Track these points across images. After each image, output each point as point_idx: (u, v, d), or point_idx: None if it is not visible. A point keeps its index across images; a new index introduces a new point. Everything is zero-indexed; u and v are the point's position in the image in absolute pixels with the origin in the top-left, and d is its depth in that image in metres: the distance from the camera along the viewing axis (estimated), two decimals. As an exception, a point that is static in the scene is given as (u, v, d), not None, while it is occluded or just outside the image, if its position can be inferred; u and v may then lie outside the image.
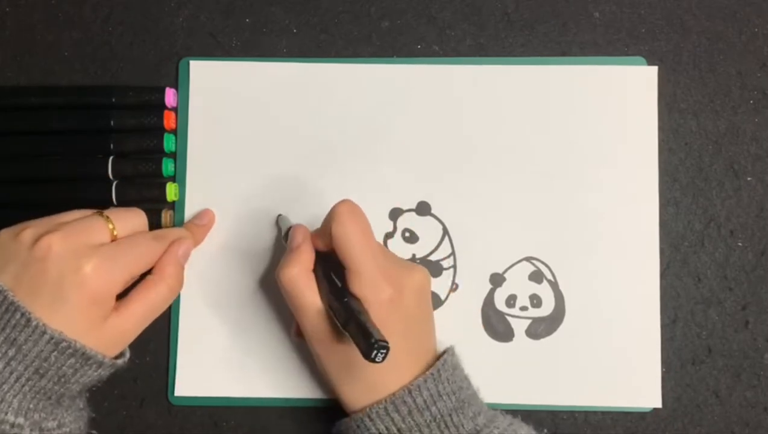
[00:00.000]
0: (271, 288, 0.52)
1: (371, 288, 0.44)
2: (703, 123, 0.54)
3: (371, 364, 0.40)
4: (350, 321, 0.42)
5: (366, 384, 0.45)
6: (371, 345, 0.39)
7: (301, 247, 0.47)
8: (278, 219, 0.52)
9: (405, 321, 0.45)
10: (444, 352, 0.47)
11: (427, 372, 0.44)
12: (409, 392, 0.44)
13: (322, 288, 0.45)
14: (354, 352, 0.41)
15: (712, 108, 0.54)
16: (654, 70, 0.54)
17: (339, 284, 0.45)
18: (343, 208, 0.45)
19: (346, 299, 0.43)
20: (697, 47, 0.54)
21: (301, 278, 0.45)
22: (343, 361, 0.45)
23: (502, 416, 0.47)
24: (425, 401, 0.44)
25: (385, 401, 0.44)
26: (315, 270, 0.46)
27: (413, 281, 0.46)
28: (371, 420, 0.44)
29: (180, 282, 0.48)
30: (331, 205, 0.45)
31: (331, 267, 0.46)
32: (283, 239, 0.50)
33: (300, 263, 0.46)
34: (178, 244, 0.48)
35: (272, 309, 0.52)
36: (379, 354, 0.39)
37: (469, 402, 0.45)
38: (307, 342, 0.47)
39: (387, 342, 0.40)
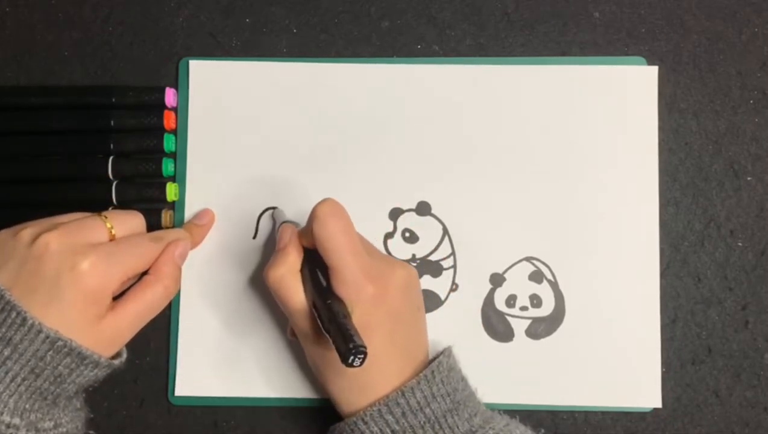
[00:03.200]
0: (270, 288, 0.52)
1: (353, 287, 0.44)
2: (703, 123, 0.54)
3: None
4: (331, 324, 0.41)
5: (356, 384, 0.45)
6: (349, 349, 0.39)
7: (288, 248, 0.47)
8: (273, 213, 0.52)
9: (390, 319, 0.45)
10: (440, 353, 0.46)
11: (421, 374, 0.44)
12: (402, 394, 0.43)
13: (308, 288, 0.45)
14: None
15: (712, 108, 0.54)
16: (654, 70, 0.53)
17: (324, 283, 0.45)
18: (324, 208, 0.44)
19: (329, 301, 0.43)
20: (697, 47, 0.54)
21: (287, 279, 0.45)
22: (332, 360, 0.44)
23: (500, 416, 0.46)
24: (419, 403, 0.43)
25: (379, 403, 0.43)
26: (302, 270, 0.46)
27: (396, 278, 0.46)
28: (365, 423, 0.44)
29: (177, 283, 0.48)
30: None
31: (318, 265, 0.45)
32: (276, 232, 0.50)
33: (286, 264, 0.46)
34: (175, 245, 0.48)
35: (272, 309, 0.52)
36: (357, 359, 0.39)
37: (465, 403, 0.45)
38: (299, 340, 0.47)
39: (365, 347, 0.39)
